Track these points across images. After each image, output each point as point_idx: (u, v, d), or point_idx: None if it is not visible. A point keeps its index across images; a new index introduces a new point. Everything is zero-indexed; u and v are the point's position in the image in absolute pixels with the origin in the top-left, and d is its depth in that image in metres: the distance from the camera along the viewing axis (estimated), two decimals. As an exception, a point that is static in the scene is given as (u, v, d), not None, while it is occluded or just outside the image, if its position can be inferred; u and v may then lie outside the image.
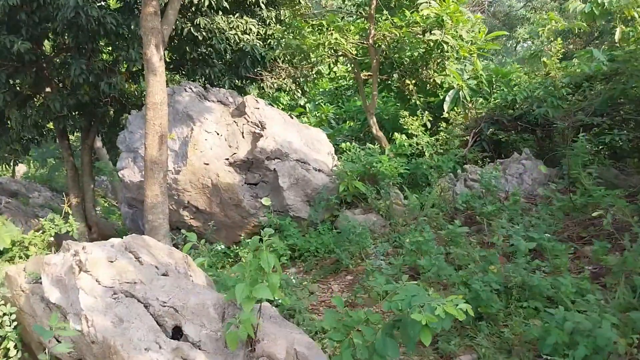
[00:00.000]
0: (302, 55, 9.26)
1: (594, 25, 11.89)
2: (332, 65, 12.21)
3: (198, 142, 7.80)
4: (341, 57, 10.37)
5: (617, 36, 9.19)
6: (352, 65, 10.13)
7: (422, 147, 8.69)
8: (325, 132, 13.76)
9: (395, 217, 7.17)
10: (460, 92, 10.09)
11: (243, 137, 8.37)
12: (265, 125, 8.34)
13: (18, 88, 11.41)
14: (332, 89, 13.84)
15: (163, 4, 9.25)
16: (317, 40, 8.49)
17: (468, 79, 10.66)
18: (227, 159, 8.07)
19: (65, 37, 11.25)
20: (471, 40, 9.57)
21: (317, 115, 15.57)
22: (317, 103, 18.31)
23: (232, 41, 12.27)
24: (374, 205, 7.32)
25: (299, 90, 15.16)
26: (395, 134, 8.85)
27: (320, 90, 18.03)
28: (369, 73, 9.74)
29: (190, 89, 8.65)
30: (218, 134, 8.16)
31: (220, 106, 8.67)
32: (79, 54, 11.70)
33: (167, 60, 12.12)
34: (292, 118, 9.13)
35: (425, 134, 8.95)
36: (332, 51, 9.81)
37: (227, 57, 13.05)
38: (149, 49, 6.61)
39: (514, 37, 20.48)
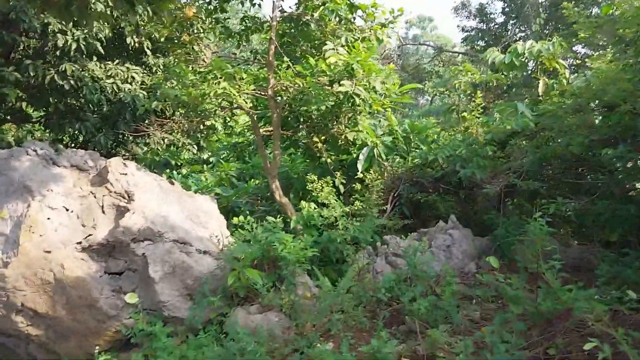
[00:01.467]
0: (187, 107, 7.58)
1: (509, 78, 11.32)
2: (228, 119, 10.63)
3: (36, 223, 5.73)
4: (238, 110, 8.81)
5: (540, 89, 8.40)
6: (250, 120, 8.56)
7: (336, 217, 7.16)
8: (225, 193, 12.00)
9: (303, 316, 5.47)
10: (375, 150, 8.82)
11: (103, 212, 6.40)
12: (133, 197, 6.44)
13: None
14: (233, 144, 12.16)
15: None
16: (201, 90, 6.85)
17: (382, 134, 9.47)
18: (80, 243, 6.04)
19: None
20: (384, 93, 8.40)
21: (216, 173, 13.79)
22: (219, 159, 16.57)
23: (109, 91, 10.38)
24: (274, 301, 5.59)
25: (194, 146, 13.39)
26: (303, 202, 7.26)
27: (223, 144, 16.34)
28: (270, 128, 8.22)
29: (35, 151, 6.60)
30: (67, 209, 6.14)
31: (75, 172, 6.67)
32: None
33: (27, 113, 9.94)
34: (172, 184, 7.31)
35: (337, 201, 7.45)
36: (227, 103, 8.23)
37: (104, 109, 11.11)
38: None
39: (425, 91, 20.18)
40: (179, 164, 16.96)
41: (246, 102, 7.31)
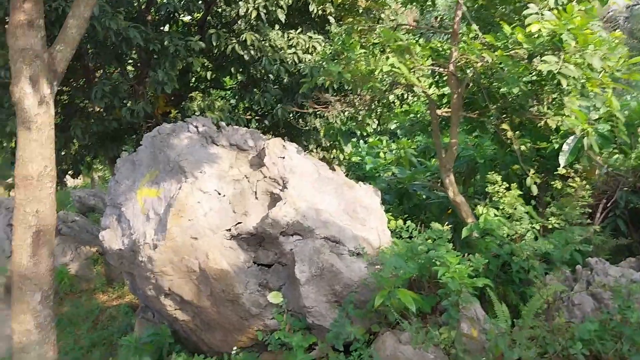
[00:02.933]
0: (354, 84, 6.70)
1: None
2: (404, 96, 9.52)
3: (185, 207, 5.49)
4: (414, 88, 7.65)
5: None
6: (426, 100, 7.37)
7: (521, 234, 5.70)
8: (402, 174, 11.02)
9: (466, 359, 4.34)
10: (585, 140, 6.91)
11: (256, 198, 5.96)
12: (287, 184, 5.86)
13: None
14: (410, 122, 11.03)
15: (60, 10, 7.11)
16: (367, 67, 5.88)
17: (597, 120, 7.44)
18: (229, 230, 5.69)
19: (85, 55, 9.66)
20: (603, 69, 6.42)
21: (394, 150, 12.84)
22: (404, 132, 15.55)
23: (289, 62, 10.05)
24: (430, 336, 4.53)
25: (375, 120, 12.57)
26: (479, 208, 5.91)
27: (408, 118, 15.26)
28: (449, 109, 6.93)
29: (196, 127, 6.41)
30: (220, 193, 5.81)
31: (233, 152, 6.33)
32: (104, 73, 10.09)
33: (208, 78, 10.12)
34: (333, 170, 6.57)
35: (525, 210, 5.92)
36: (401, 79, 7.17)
37: (284, 80, 10.86)
38: (17, 86, 4.43)
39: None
40: (365, 133, 16.41)
41: (419, 81, 6.14)
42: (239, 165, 6.22)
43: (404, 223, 5.49)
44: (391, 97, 9.12)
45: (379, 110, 10.42)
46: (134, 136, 10.83)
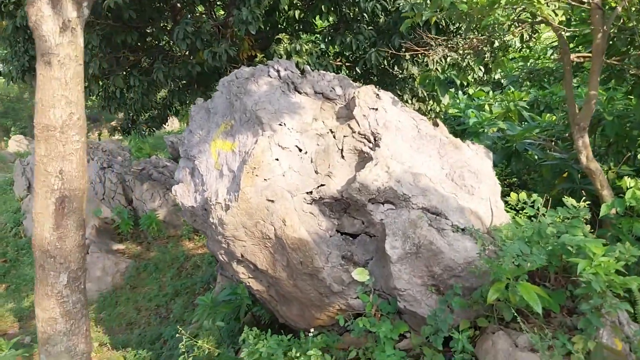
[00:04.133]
0: (469, 20, 5.47)
1: None
2: (526, 37, 8.01)
3: (261, 165, 4.72)
4: (542, 26, 6.26)
5: None
6: (558, 41, 5.97)
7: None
8: (512, 130, 9.63)
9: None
10: None
11: (342, 156, 5.06)
12: (379, 141, 4.90)
13: (123, 53, 9.59)
14: (528, 69, 9.43)
15: None
16: (489, -5, 4.65)
17: None
18: (310, 193, 4.87)
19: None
20: None
21: (503, 103, 11.30)
22: (512, 82, 13.85)
23: (387, -1, 8.87)
24: (561, 341, 3.50)
25: (481, 68, 11.11)
26: (625, 179, 4.60)
27: (519, 66, 13.46)
28: (587, 54, 5.53)
29: (277, 71, 5.54)
30: (301, 150, 4.98)
31: (318, 102, 5.42)
32: (189, 12, 9.46)
33: (297, 18, 9.18)
34: (436, 126, 5.49)
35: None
36: (528, 15, 5.84)
37: (380, 20, 9.69)
38: (34, 5, 3.48)
39: None
40: (465, 83, 14.90)
41: (556, 14, 4.81)
42: (324, 117, 5.33)
43: (528, 196, 4.35)
44: (507, 38, 7.69)
45: (489, 55, 9.00)
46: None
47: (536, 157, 9.19)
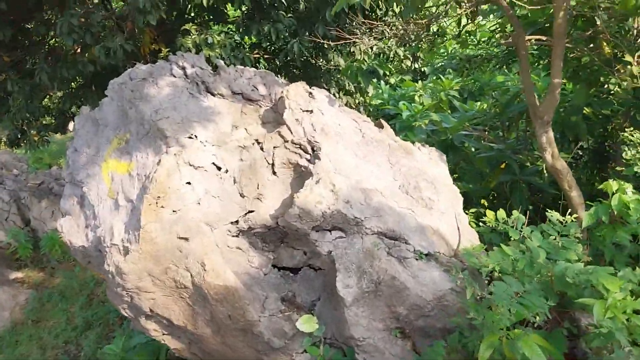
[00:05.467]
0: (405, 2, 4.62)
1: None
2: (465, 19, 7.34)
3: (167, 192, 3.60)
4: (485, 6, 5.56)
5: None
6: (507, 22, 5.29)
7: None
8: (446, 122, 9.01)
9: None
10: None
11: (274, 172, 4.04)
12: (319, 151, 3.93)
13: (-6, 53, 7.94)
14: (466, 57, 8.81)
15: None
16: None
17: None
18: (236, 223, 3.82)
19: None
20: None
21: (433, 92, 10.72)
22: (435, 71, 13.40)
23: (307, -19, 7.91)
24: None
25: (409, 58, 10.45)
26: (609, 182, 3.91)
27: (444, 57, 12.98)
28: (543, 37, 4.86)
29: (182, 69, 4.40)
30: (220, 168, 3.90)
31: (237, 105, 4.35)
32: (75, 2, 7.97)
33: (205, 5, 7.98)
34: (381, 127, 4.61)
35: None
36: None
37: (300, 6, 8.71)
38: None
39: None
40: (387, 72, 14.28)
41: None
42: (246, 124, 4.27)
43: (507, 214, 3.55)
44: (447, 21, 6.99)
45: (420, 45, 8.30)
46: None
47: (473, 149, 8.66)
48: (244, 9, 8.20)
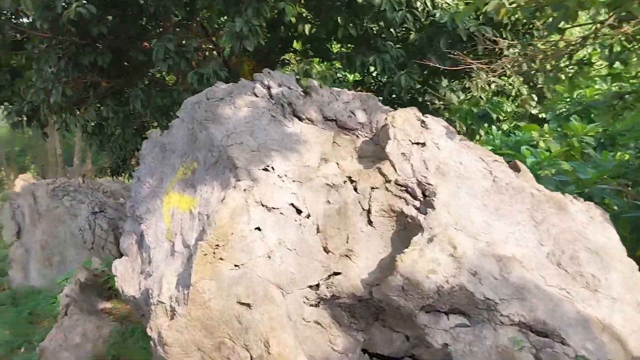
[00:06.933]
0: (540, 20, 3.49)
1: None
2: (615, 47, 6.00)
3: (229, 239, 2.70)
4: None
5: None
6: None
7: None
8: (582, 173, 7.50)
9: None
10: None
11: (370, 222, 3.01)
12: (433, 197, 2.86)
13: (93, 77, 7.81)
14: (614, 94, 7.26)
15: None
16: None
17: None
18: (316, 287, 2.83)
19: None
20: None
21: (562, 136, 9.21)
22: (556, 115, 11.82)
23: (419, 7, 7.04)
24: None
25: (532, 97, 9.12)
26: None
27: (567, 102, 11.40)
28: None
29: (267, 88, 3.58)
30: (300, 212, 2.94)
31: (328, 133, 3.42)
32: (171, 25, 7.69)
33: (307, 33, 7.32)
34: (517, 170, 3.43)
35: None
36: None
37: (410, 37, 7.83)
38: None
39: None
40: (500, 117, 12.91)
41: None
42: (338, 157, 3.32)
43: None
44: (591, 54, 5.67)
45: (556, 78, 6.97)
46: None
47: (615, 207, 7.06)
48: (350, 33, 7.41)
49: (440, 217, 2.76)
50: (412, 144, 3.14)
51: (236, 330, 2.66)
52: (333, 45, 9.38)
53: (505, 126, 13.52)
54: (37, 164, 38.61)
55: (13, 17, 7.25)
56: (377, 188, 3.00)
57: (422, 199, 2.95)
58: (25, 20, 7.38)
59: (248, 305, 2.66)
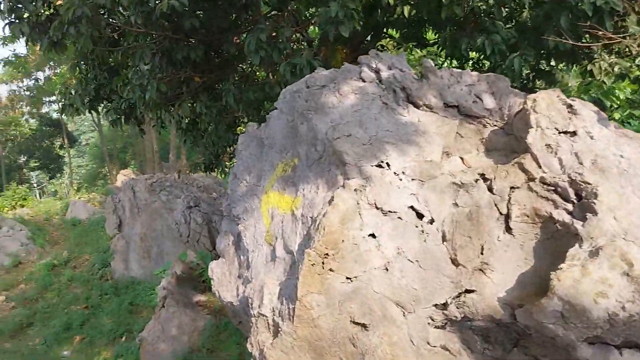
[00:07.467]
0: None
1: None
2: None
3: (340, 248, 2.31)
4: None
5: None
6: None
7: None
8: None
9: None
10: None
11: (509, 229, 2.49)
12: (593, 199, 2.29)
13: (186, 72, 7.77)
14: None
15: None
16: None
17: None
18: (443, 306, 2.36)
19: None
20: None
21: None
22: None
23: (535, -17, 6.27)
24: None
25: (658, 81, 7.99)
26: None
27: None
28: None
29: (376, 71, 3.13)
30: (422, 216, 2.48)
31: (451, 122, 2.91)
32: (263, 16, 7.43)
33: (406, 15, 6.78)
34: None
35: None
36: None
37: (523, 13, 7.04)
38: None
39: None
40: (615, 104, 11.66)
41: None
42: (462, 151, 2.81)
43: None
44: None
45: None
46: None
47: None
48: (456, 13, 6.76)
49: (605, 224, 2.18)
50: (559, 133, 2.56)
51: (350, 354, 2.25)
52: (428, 32, 8.75)
53: (617, 115, 12.24)
54: (136, 160, 40.96)
55: (107, 14, 7.34)
56: (517, 188, 2.46)
57: (575, 201, 2.38)
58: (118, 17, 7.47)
59: (364, 325, 2.25)
